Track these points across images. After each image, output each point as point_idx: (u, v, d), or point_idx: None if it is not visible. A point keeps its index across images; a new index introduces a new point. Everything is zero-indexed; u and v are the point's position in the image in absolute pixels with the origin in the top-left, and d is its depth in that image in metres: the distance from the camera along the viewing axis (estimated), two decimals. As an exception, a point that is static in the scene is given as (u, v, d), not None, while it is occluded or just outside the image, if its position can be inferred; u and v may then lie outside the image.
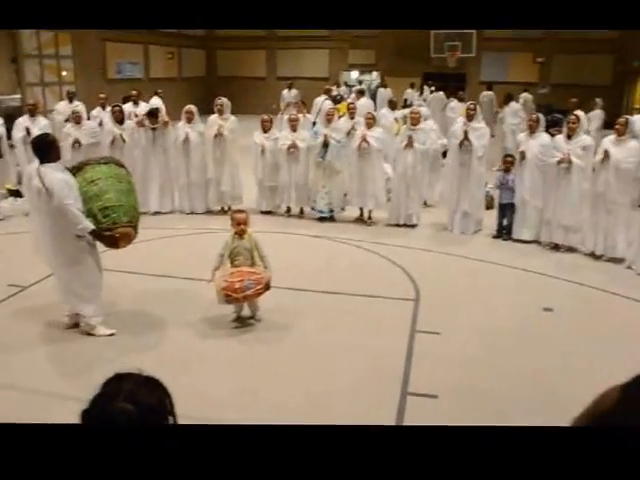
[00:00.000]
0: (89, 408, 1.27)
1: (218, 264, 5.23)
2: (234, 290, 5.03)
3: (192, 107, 9.11)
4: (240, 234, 5.29)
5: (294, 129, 8.81)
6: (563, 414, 4.13)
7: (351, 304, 5.86)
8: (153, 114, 9.03)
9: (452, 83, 20.81)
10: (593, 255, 7.39)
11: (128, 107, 10.45)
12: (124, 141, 8.80)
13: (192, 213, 9.12)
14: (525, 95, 15.87)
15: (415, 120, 8.43)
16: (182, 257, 7.03)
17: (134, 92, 11.30)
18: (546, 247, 7.77)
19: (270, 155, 8.80)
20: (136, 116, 9.29)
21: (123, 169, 5.40)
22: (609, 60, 20.71)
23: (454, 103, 14.36)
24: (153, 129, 8.98)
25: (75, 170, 5.01)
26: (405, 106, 13.01)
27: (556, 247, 7.71)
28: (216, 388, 4.32)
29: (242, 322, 5.40)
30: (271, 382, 4.43)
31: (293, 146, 8.62)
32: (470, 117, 8.18)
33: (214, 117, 9.03)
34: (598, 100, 13.23)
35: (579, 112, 9.22)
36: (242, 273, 5.11)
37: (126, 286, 6.08)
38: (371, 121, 8.64)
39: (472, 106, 8.38)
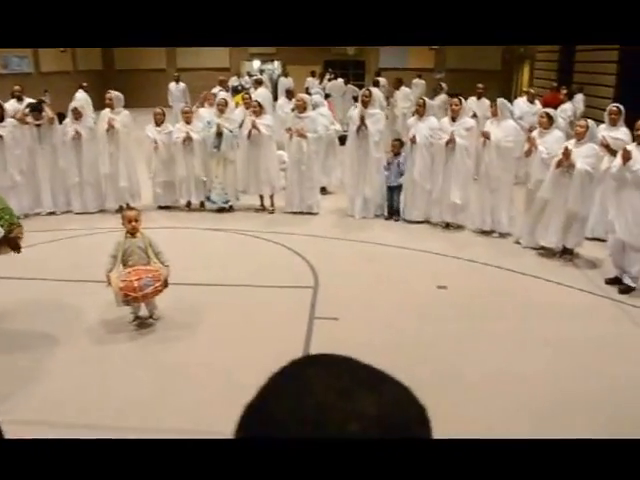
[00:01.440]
0: None
1: (111, 266, 5.05)
2: (133, 289, 4.89)
3: (79, 104, 8.75)
4: (132, 233, 5.14)
5: (188, 121, 8.66)
6: (457, 391, 4.37)
7: (250, 296, 5.86)
8: (36, 109, 8.53)
9: (352, 70, 21.14)
10: (481, 232, 7.79)
11: (12, 104, 9.85)
12: (1, 137, 8.24)
13: (86, 213, 8.75)
14: (416, 81, 16.37)
15: (300, 108, 8.52)
16: (75, 260, 6.76)
17: (17, 87, 10.67)
18: (437, 226, 8.12)
19: (164, 149, 8.61)
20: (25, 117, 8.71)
21: None
22: (498, 47, 21.71)
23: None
24: (37, 125, 8.52)
25: None
26: (307, 94, 13.06)
27: (447, 226, 8.08)
28: (117, 395, 4.19)
29: (141, 323, 5.26)
30: (175, 383, 4.35)
31: (188, 138, 8.49)
32: (365, 103, 8.35)
33: (105, 112, 8.72)
34: (443, 85, 14.01)
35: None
36: (139, 271, 4.98)
37: (14, 294, 5.76)
38: (257, 109, 8.65)
39: (367, 92, 8.56)
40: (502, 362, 4.66)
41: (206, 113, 9.37)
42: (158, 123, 8.69)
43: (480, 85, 11.94)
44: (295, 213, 8.69)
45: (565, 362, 4.68)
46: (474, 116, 9.91)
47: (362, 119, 8.18)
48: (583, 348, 4.92)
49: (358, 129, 8.24)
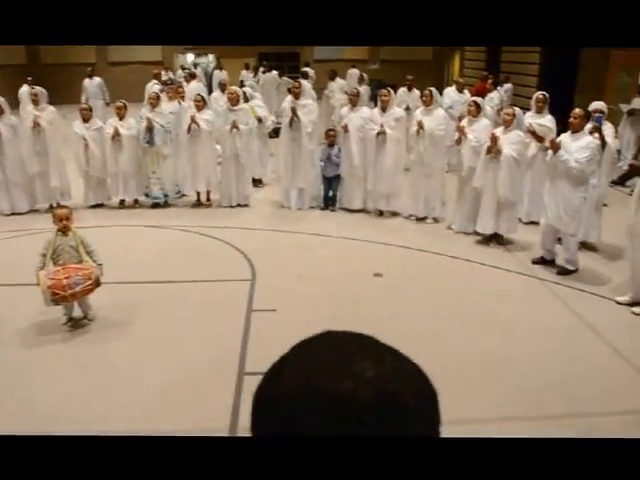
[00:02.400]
0: None
1: (41, 265, 4.91)
2: (62, 287, 4.76)
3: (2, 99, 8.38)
4: (63, 231, 5.01)
5: (121, 117, 8.45)
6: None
7: (188, 291, 5.81)
8: None
9: (287, 63, 21.07)
10: (416, 218, 7.97)
11: None
12: None
13: (14, 214, 8.39)
14: (351, 71, 16.48)
15: (233, 100, 8.48)
16: (6, 262, 6.50)
17: None
18: (372, 214, 8.27)
19: (94, 145, 8.36)
20: None
21: None
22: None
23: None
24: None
25: None
26: (242, 87, 12.96)
27: (381, 213, 8.23)
28: (50, 397, 4.08)
29: (75, 324, 5.14)
30: (113, 383, 4.28)
31: (117, 134, 8.29)
32: (296, 95, 8.37)
33: (30, 108, 8.43)
34: (365, 75, 14.30)
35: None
36: (69, 269, 4.86)
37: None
38: (200, 103, 8.55)
39: (297, 84, 8.59)
40: (439, 342, 4.80)
41: (165, 106, 9.14)
42: (85, 119, 8.44)
43: (409, 77, 11.73)
44: (232, 207, 8.64)
45: (497, 338, 4.88)
46: (407, 109, 10.09)
47: (294, 110, 8.20)
48: (513, 324, 5.13)
49: (290, 121, 8.25)
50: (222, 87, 11.69)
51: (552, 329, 5.11)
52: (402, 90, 11.28)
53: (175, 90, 9.91)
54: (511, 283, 6.11)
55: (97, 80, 15.01)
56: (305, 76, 13.34)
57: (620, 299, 5.59)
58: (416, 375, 0.70)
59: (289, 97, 8.75)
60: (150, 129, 8.27)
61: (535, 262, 6.51)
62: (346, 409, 0.63)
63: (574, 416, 3.93)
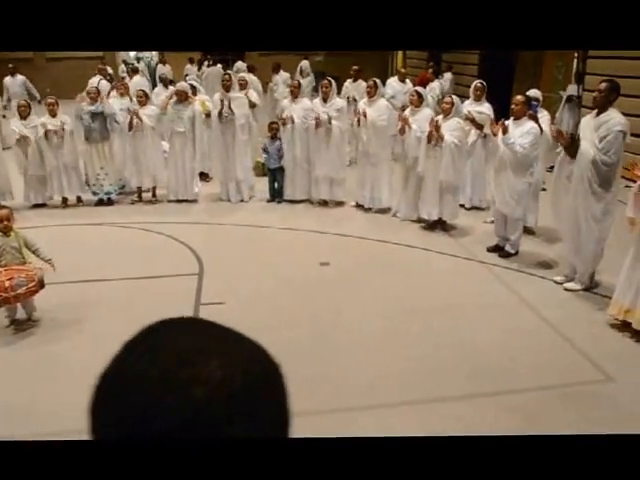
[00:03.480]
0: None
1: None
2: (4, 289, 4.67)
3: None
4: (4, 232, 4.91)
5: (53, 114, 8.24)
6: (335, 365, 4.51)
7: (135, 288, 5.77)
8: None
9: (232, 56, 20.85)
10: (362, 207, 8.09)
11: None
12: None
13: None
14: (302, 62, 16.49)
15: (183, 97, 8.44)
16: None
17: None
18: (316, 204, 8.36)
19: (32, 143, 8.15)
20: None
21: None
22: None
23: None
24: None
25: None
26: (185, 81, 12.81)
27: (325, 203, 8.33)
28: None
29: (19, 326, 5.03)
30: (57, 386, 4.20)
31: (54, 132, 8.11)
32: (227, 87, 8.34)
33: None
34: (304, 67, 14.47)
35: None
36: (11, 271, 4.77)
37: None
38: (142, 99, 8.45)
39: (227, 77, 8.53)
40: (387, 327, 4.93)
41: (117, 102, 8.99)
42: (23, 116, 8.20)
43: (355, 67, 11.52)
44: (179, 201, 8.59)
45: (438, 320, 5.04)
46: (353, 99, 10.19)
47: (222, 103, 8.18)
48: (456, 306, 5.31)
49: (219, 113, 8.22)
50: (163, 82, 11.55)
51: (493, 309, 5.30)
52: (348, 82, 11.34)
53: (126, 86, 9.75)
54: (454, 267, 6.28)
55: (20, 78, 13.91)
56: (252, 70, 13.26)
57: (557, 278, 5.84)
58: (257, 357, 0.70)
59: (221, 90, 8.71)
60: (95, 114, 8.19)
61: (490, 250, 6.63)
62: (202, 416, 0.61)
63: (510, 393, 4.10)
